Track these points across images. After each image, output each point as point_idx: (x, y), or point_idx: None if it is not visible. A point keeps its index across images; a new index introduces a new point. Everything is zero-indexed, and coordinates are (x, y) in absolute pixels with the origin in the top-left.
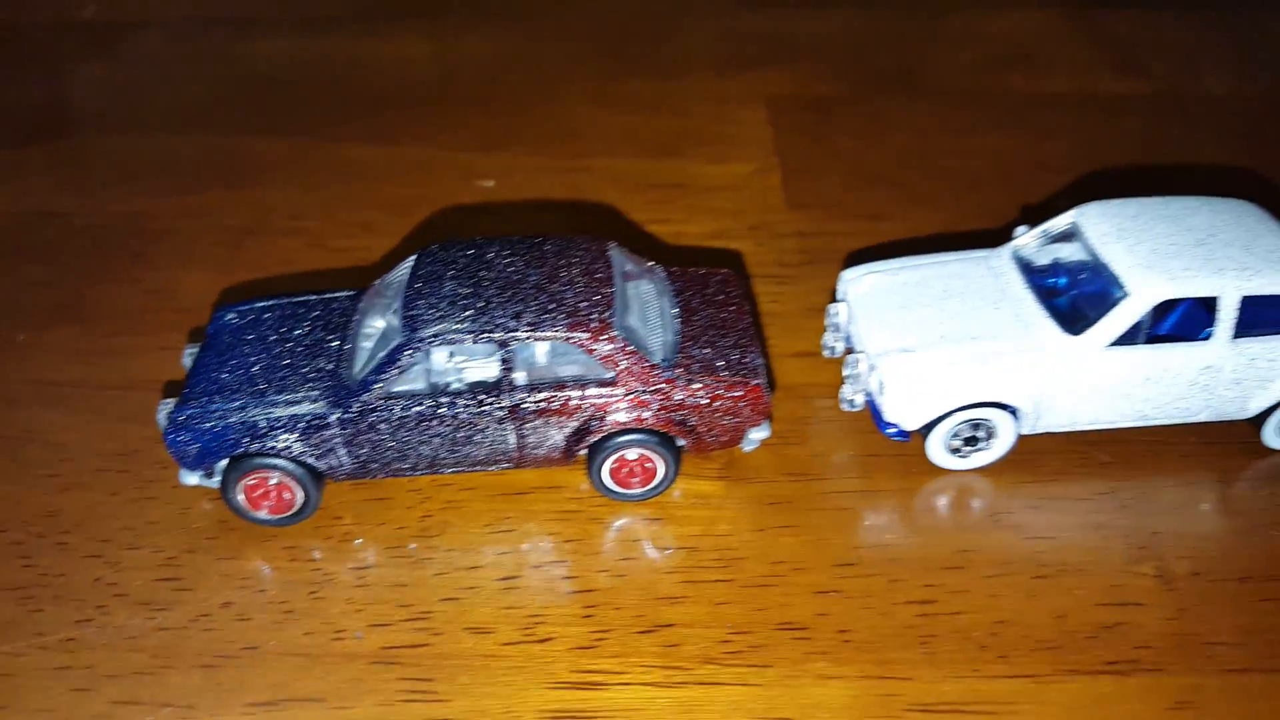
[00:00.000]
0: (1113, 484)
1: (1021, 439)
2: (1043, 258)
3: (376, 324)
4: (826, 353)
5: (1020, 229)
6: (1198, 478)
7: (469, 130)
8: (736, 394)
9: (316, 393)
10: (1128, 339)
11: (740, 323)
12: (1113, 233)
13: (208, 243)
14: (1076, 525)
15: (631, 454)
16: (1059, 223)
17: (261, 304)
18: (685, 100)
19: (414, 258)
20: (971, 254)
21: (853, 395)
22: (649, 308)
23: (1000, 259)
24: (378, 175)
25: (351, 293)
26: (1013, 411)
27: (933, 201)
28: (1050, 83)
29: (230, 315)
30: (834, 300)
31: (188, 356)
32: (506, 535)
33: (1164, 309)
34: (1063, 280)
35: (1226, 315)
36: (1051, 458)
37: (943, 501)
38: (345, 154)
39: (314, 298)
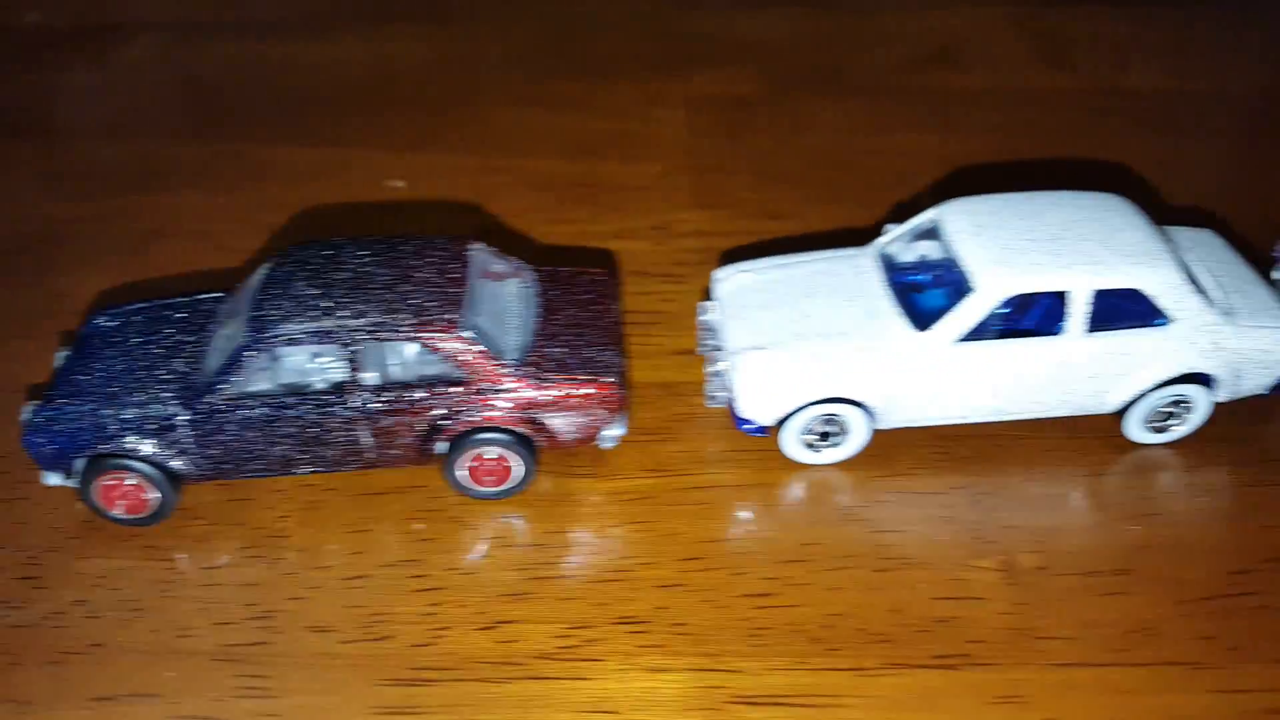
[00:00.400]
0: (970, 478)
1: (884, 433)
2: (907, 255)
3: (233, 326)
4: (701, 350)
5: (888, 226)
6: (1058, 472)
7: (392, 132)
8: (587, 392)
9: (168, 394)
10: (977, 334)
11: (603, 322)
12: (968, 229)
13: (113, 247)
14: (926, 519)
15: (489, 453)
16: (922, 220)
17: (133, 307)
18: (608, 101)
19: (272, 259)
20: (840, 252)
21: (715, 392)
22: (509, 308)
23: (866, 257)
24: (294, 178)
25: (219, 295)
26: (864, 407)
27: (840, 200)
28: (975, 79)
29: (102, 318)
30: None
31: (59, 359)
32: (362, 535)
33: (1026, 304)
34: (924, 277)
35: (1078, 309)
36: (912, 451)
37: (797, 496)
38: (264, 156)
39: (183, 300)
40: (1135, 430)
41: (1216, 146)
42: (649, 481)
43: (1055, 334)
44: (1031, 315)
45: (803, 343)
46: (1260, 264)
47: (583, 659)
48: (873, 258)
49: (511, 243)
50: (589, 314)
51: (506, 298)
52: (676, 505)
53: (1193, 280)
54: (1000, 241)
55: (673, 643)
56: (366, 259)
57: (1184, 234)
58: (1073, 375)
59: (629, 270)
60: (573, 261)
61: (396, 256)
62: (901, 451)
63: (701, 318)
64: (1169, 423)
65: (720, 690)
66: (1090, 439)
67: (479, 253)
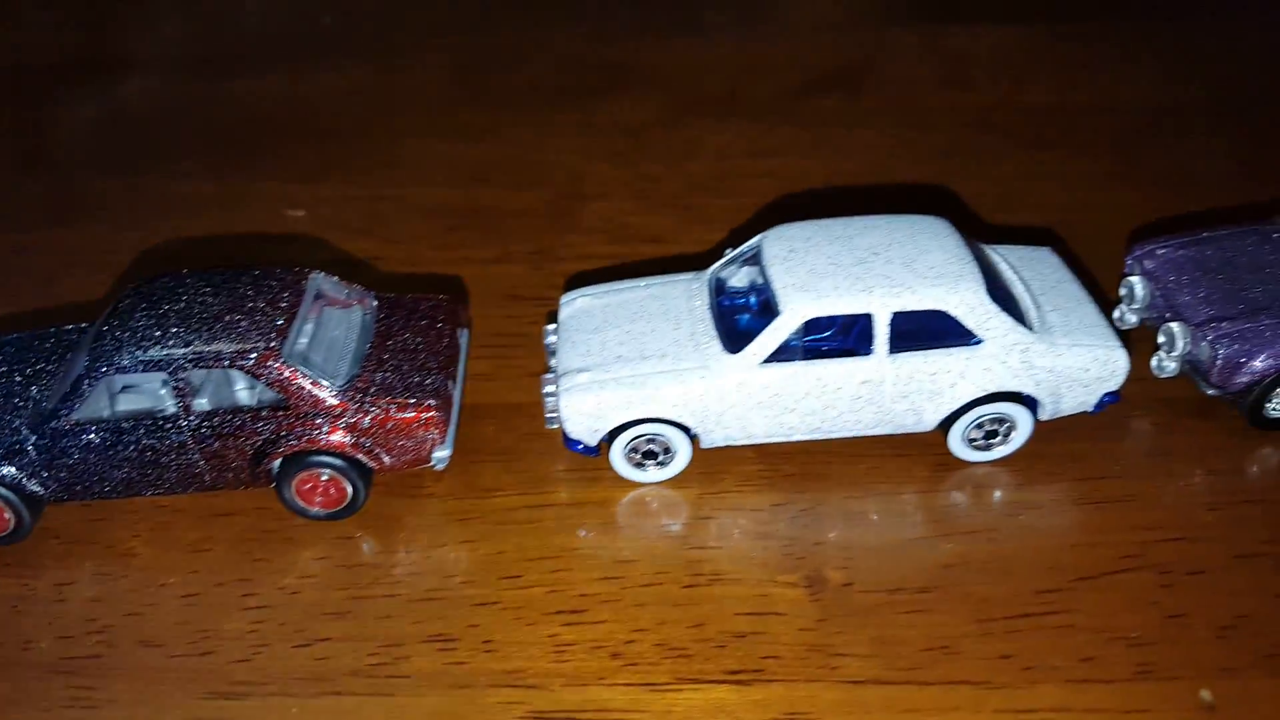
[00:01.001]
0: (791, 495)
1: (714, 451)
2: (738, 279)
3: (78, 356)
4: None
5: (728, 251)
6: (879, 489)
7: (298, 162)
8: (408, 415)
9: (18, 421)
10: (784, 356)
11: (435, 347)
12: (782, 254)
13: (20, 281)
14: (743, 535)
15: (322, 475)
16: (749, 245)
17: (8, 338)
18: (510, 129)
19: (124, 291)
20: (677, 277)
21: (549, 413)
22: (341, 335)
23: (700, 281)
24: (197, 210)
25: (83, 325)
26: (684, 427)
27: (714, 222)
28: (868, 100)
29: None
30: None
31: None
32: (201, 554)
33: (843, 326)
34: (746, 301)
35: (880, 331)
36: (739, 469)
37: (623, 514)
38: (174, 190)
39: (52, 330)
40: (959, 448)
41: (1097, 161)
42: (486, 501)
43: (864, 355)
44: (848, 337)
45: (622, 365)
46: (1108, 280)
47: (389, 676)
48: (705, 282)
49: (365, 271)
50: (424, 340)
51: (342, 325)
52: (506, 524)
53: (1011, 299)
54: (807, 266)
55: (476, 659)
56: (205, 290)
57: (1017, 253)
58: (881, 395)
59: (504, 294)
60: (437, 288)
61: (235, 287)
62: (729, 469)
63: (546, 340)
64: (992, 441)
65: (516, 706)
66: (918, 457)
67: (320, 281)
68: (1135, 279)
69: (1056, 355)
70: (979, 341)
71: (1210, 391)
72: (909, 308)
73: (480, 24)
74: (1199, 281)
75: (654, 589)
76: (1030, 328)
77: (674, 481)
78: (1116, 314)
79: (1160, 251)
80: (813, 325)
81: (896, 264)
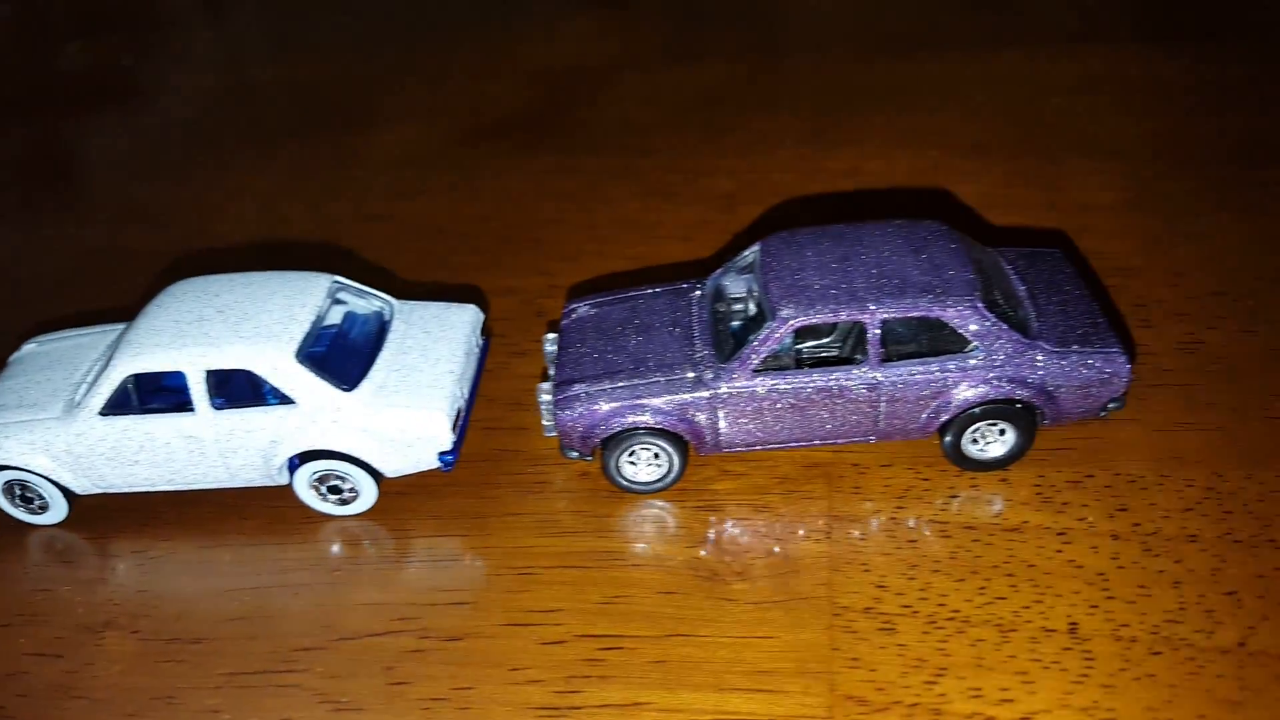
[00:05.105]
0: (151, 543)
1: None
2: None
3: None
4: None
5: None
6: (226, 539)
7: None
8: None
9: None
10: (120, 408)
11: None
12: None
13: None
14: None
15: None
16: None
17: None
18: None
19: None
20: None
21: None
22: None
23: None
24: None
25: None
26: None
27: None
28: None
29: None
30: None
31: None
32: None
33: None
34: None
35: (196, 388)
36: (150, 517)
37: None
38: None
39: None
40: (304, 493)
41: None
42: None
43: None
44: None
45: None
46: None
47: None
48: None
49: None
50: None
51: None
52: None
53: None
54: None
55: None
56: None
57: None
58: (209, 449)
59: None
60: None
61: None
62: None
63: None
64: (341, 495)
65: None
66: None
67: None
68: (548, 336)
69: (370, 415)
70: (292, 403)
71: (571, 453)
72: (217, 366)
73: None
74: (585, 341)
75: None
76: (355, 389)
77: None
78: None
79: (580, 310)
80: None
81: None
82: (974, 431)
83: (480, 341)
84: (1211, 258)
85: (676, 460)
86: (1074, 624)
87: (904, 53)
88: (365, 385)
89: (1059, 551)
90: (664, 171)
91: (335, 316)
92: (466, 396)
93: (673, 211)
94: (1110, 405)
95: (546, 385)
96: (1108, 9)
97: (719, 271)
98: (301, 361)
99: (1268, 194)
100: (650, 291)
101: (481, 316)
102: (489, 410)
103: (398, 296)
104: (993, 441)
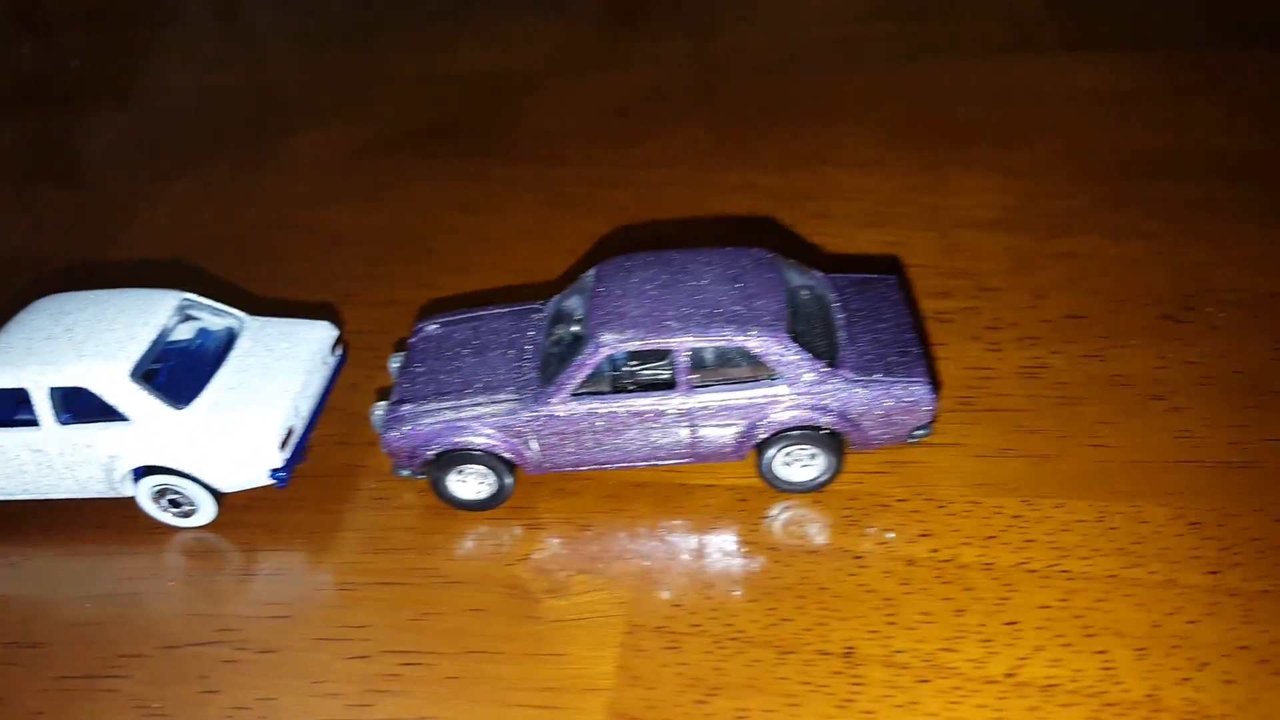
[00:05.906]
0: (20, 550)
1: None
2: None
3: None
4: None
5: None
6: (93, 550)
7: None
8: None
9: None
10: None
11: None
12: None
13: None
14: None
15: None
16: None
17: None
18: None
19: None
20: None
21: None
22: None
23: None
24: None
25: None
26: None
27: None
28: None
29: None
30: None
31: None
32: None
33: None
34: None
35: (40, 404)
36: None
37: None
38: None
39: None
40: (147, 506)
41: None
42: None
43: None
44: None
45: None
46: None
47: None
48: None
49: None
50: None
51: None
52: None
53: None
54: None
55: None
56: None
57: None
58: (58, 462)
59: None
60: None
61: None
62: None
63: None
64: (180, 509)
65: None
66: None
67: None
68: (394, 355)
69: (200, 428)
70: (127, 420)
71: (403, 472)
72: (59, 384)
73: None
74: (425, 361)
75: None
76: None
77: None
78: None
79: (428, 328)
80: None
81: (68, 342)
82: (786, 455)
83: (334, 357)
84: (1074, 279)
85: (504, 480)
86: (850, 648)
87: (830, 65)
88: (198, 403)
89: (852, 575)
90: (571, 182)
91: (185, 333)
92: (308, 414)
93: (569, 224)
94: (917, 432)
95: (382, 404)
96: (1036, 19)
97: (561, 294)
98: (136, 380)
99: (1145, 212)
100: (496, 312)
101: (335, 333)
102: (343, 425)
103: (266, 310)
104: (805, 465)
